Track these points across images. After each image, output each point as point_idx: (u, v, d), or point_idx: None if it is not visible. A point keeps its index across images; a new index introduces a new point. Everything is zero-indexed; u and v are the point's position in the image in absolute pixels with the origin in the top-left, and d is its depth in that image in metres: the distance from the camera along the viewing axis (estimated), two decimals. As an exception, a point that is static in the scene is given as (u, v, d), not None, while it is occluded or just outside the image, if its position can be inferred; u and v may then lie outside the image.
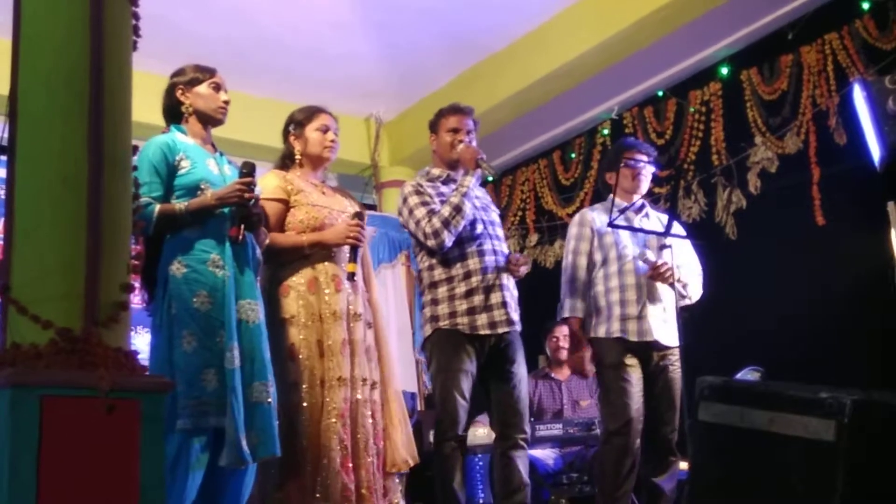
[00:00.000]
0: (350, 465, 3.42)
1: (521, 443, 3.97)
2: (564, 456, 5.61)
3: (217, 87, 3.52)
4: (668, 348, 4.20)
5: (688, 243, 4.44)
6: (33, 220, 2.35)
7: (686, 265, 4.31)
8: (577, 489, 5.28)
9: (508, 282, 4.05)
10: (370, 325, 3.74)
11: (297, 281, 3.60)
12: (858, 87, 5.29)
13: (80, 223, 2.33)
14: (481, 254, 4.00)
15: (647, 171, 4.44)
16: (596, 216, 4.40)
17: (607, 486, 4.12)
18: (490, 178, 4.13)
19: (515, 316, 4.04)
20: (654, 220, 4.45)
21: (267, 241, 3.56)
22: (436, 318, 3.97)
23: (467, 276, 3.96)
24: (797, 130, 5.60)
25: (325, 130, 3.82)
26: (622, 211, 4.28)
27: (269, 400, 3.27)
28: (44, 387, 2.14)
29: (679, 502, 4.17)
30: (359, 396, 3.54)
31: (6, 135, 2.44)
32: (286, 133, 3.88)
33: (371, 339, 3.72)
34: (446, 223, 3.90)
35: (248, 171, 3.35)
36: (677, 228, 4.30)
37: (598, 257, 4.32)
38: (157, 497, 2.25)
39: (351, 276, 3.61)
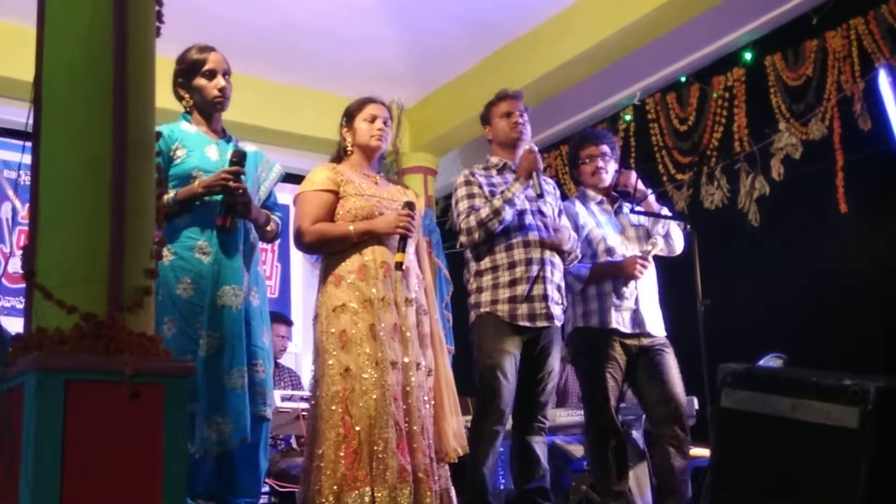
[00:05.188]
0: (405, 447, 3.43)
1: (540, 429, 4.00)
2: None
3: (212, 74, 3.52)
4: (656, 337, 4.20)
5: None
6: (58, 205, 2.37)
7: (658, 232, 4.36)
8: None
9: (553, 275, 4.01)
10: (426, 311, 3.75)
11: (347, 269, 3.62)
12: (884, 72, 5.29)
13: (105, 209, 2.34)
14: (527, 244, 3.98)
15: (608, 164, 4.43)
16: (578, 211, 4.38)
17: (601, 480, 4.21)
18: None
19: (557, 310, 4.01)
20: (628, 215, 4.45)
21: (317, 232, 3.63)
22: (478, 305, 4.00)
23: (511, 266, 3.96)
24: (821, 116, 5.55)
25: (372, 120, 3.82)
26: (599, 203, 4.40)
27: (244, 387, 3.27)
28: (68, 371, 2.15)
29: (700, 489, 4.15)
30: (413, 381, 3.54)
31: (31, 121, 2.45)
32: (340, 126, 3.90)
33: (427, 326, 3.73)
34: (481, 223, 3.93)
35: (236, 160, 3.39)
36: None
37: (587, 252, 4.28)
38: (180, 481, 2.26)
39: (399, 266, 3.60)
